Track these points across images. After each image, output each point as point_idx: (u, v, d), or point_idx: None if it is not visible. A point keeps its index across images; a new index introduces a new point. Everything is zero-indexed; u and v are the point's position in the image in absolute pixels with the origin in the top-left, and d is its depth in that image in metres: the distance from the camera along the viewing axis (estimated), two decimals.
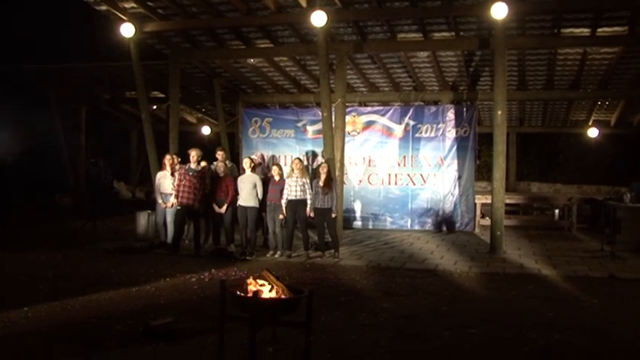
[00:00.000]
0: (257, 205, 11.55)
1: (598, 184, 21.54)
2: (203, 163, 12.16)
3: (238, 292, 5.31)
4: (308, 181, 11.41)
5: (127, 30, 12.83)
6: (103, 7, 12.95)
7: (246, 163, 11.81)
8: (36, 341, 5.96)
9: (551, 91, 17.29)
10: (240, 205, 11.58)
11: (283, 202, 11.25)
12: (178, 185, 11.56)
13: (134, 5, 12.85)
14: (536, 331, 6.46)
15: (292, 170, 11.43)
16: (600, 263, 10.95)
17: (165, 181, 12.12)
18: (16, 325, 6.50)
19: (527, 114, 21.48)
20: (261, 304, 5.16)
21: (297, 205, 11.27)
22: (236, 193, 11.62)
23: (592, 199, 16.95)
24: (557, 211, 17.13)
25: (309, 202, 11.27)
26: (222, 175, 11.78)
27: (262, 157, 14.40)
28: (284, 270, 9.80)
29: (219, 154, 12.21)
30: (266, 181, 11.80)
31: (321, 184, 11.32)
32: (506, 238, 12.68)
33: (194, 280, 9.09)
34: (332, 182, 11.46)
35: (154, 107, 18.77)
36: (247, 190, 11.49)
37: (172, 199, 11.80)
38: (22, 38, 19.66)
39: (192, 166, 11.62)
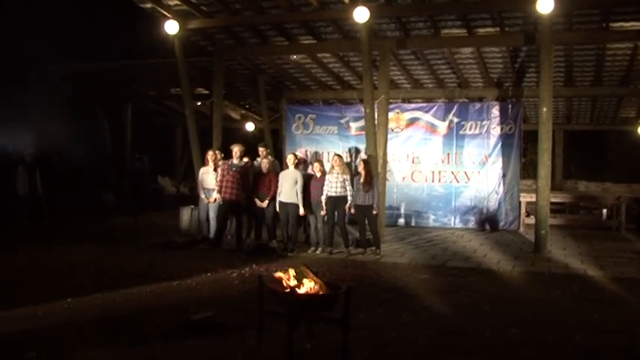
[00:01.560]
0: (297, 202, 11.54)
1: None
2: (246, 159, 12.22)
3: (276, 288, 5.30)
4: (349, 177, 11.37)
5: (172, 27, 12.94)
6: (148, 5, 13.09)
7: (289, 160, 11.77)
8: (77, 332, 6.05)
9: (600, 87, 16.92)
10: (280, 201, 11.58)
11: (323, 198, 11.23)
12: (221, 180, 11.64)
13: (178, 2, 12.95)
14: (581, 332, 6.31)
15: (332, 167, 11.41)
16: None
17: (208, 177, 12.20)
18: (58, 316, 6.61)
19: (575, 111, 21.05)
20: (298, 300, 5.15)
21: (336, 201, 11.24)
22: (277, 188, 11.64)
23: None
24: (605, 210, 16.73)
25: (349, 198, 11.23)
26: (265, 171, 11.81)
27: (306, 153, 14.41)
28: (325, 267, 9.77)
29: (261, 151, 12.24)
30: (307, 177, 11.78)
31: (361, 180, 11.27)
32: (551, 238, 12.45)
33: (235, 275, 9.13)
34: (373, 179, 11.38)
35: (199, 104, 18.97)
36: (288, 186, 11.47)
37: (215, 194, 11.87)
38: (68, 38, 20.00)
39: (235, 161, 11.70)
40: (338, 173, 11.28)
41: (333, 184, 11.25)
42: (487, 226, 15.59)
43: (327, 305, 5.32)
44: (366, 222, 11.39)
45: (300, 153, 13.33)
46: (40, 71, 17.12)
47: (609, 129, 23.05)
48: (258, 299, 5.37)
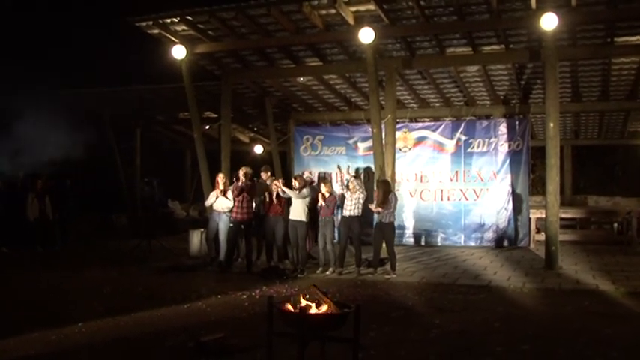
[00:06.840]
0: (306, 220, 11.56)
1: None
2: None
3: (285, 308, 5.32)
4: (363, 196, 11.40)
5: (179, 52, 13.04)
6: (155, 31, 13.25)
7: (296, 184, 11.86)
8: (89, 356, 6.08)
9: (607, 102, 16.86)
10: (290, 220, 11.62)
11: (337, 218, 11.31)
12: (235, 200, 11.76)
13: (185, 28, 13.10)
14: (593, 348, 6.29)
15: (348, 187, 11.45)
16: None
17: (218, 200, 12.20)
18: (70, 339, 6.66)
19: (583, 126, 21.05)
20: (307, 320, 5.15)
21: (351, 221, 11.30)
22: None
23: None
24: (615, 225, 16.66)
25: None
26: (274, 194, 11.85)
27: (310, 175, 14.50)
28: (335, 287, 9.78)
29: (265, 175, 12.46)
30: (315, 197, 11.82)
31: (377, 201, 11.28)
32: (562, 253, 12.38)
33: (245, 297, 9.15)
34: (388, 198, 11.28)
35: (207, 127, 19.06)
36: (297, 204, 11.53)
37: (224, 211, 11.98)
38: (80, 64, 20.26)
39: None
40: (351, 193, 11.34)
41: (348, 204, 11.31)
42: (497, 243, 15.53)
43: (337, 325, 5.32)
44: (384, 241, 11.37)
45: (306, 175, 13.39)
46: (51, 95, 17.28)
47: (617, 143, 22.99)
48: (267, 319, 5.39)
